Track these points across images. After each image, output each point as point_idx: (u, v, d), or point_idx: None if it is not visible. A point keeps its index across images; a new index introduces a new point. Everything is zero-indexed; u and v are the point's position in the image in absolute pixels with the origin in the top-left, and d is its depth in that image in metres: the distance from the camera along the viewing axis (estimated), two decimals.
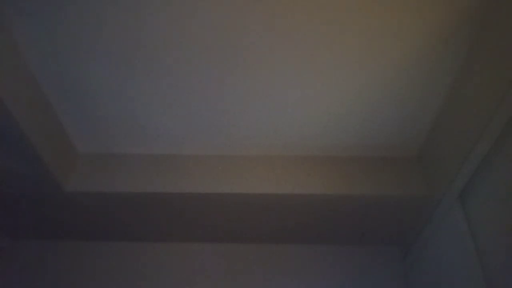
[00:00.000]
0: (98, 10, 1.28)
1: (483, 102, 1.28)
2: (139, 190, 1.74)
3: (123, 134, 1.75)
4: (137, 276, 2.11)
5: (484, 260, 1.41)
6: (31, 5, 1.27)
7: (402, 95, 1.53)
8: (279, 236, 2.10)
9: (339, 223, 1.95)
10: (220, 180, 1.75)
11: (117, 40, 1.36)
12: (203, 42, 1.36)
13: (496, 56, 1.22)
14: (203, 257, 2.16)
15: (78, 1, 1.26)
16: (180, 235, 2.13)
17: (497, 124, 1.25)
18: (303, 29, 1.31)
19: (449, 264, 1.62)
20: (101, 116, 1.67)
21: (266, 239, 2.14)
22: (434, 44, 1.34)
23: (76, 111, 1.65)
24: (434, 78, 1.46)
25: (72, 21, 1.31)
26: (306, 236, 2.09)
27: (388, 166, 1.77)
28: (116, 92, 1.56)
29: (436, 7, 1.24)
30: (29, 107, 1.47)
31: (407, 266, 2.04)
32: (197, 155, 1.83)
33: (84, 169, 1.81)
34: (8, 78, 1.35)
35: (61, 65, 1.46)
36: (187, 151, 1.83)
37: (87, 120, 1.69)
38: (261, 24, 1.30)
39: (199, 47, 1.38)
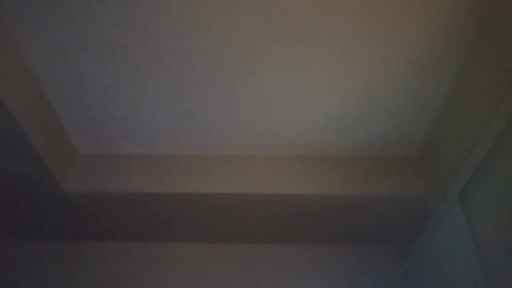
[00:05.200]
0: (99, 10, 1.28)
1: (483, 102, 1.28)
2: (139, 190, 1.74)
3: (123, 134, 1.75)
4: (137, 276, 2.11)
5: (484, 260, 1.41)
6: (31, 5, 1.27)
7: (402, 95, 1.53)
8: (279, 236, 2.10)
9: (339, 223, 1.96)
10: (220, 180, 1.75)
11: (117, 40, 1.36)
12: (203, 42, 1.36)
13: (496, 56, 1.22)
14: (203, 257, 2.16)
15: (79, 2, 1.26)
16: (180, 235, 2.13)
17: (497, 124, 1.25)
18: (303, 29, 1.31)
19: (449, 264, 1.62)
20: (101, 116, 1.67)
21: (266, 239, 2.14)
22: (434, 44, 1.35)
23: (76, 111, 1.65)
24: (434, 78, 1.46)
25: (72, 21, 1.32)
26: (306, 236, 2.09)
27: (388, 166, 1.77)
28: (116, 92, 1.56)
29: (436, 7, 1.24)
30: (29, 107, 1.47)
31: (407, 266, 2.04)
32: (197, 155, 1.83)
33: (84, 169, 1.81)
34: (8, 78, 1.35)
35: (61, 65, 1.46)
36: (187, 151, 1.83)
37: (87, 120, 1.69)
38: (261, 24, 1.30)
39: (199, 47, 1.38)
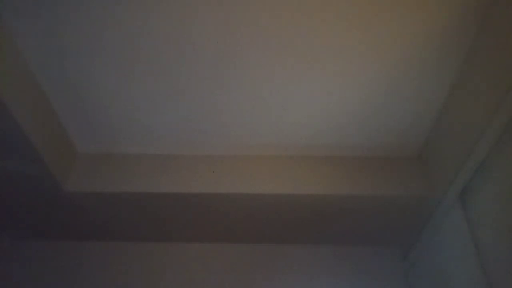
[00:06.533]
0: (99, 11, 1.28)
1: (483, 102, 1.28)
2: (139, 190, 1.74)
3: (123, 134, 1.75)
4: (137, 276, 2.11)
5: (484, 260, 1.41)
6: (31, 6, 1.28)
7: (402, 95, 1.53)
8: (279, 236, 2.10)
9: (339, 223, 1.95)
10: (220, 180, 1.75)
11: (117, 40, 1.37)
12: (203, 42, 1.36)
13: (496, 56, 1.22)
14: (203, 257, 2.16)
15: (79, 3, 1.26)
16: (180, 235, 2.13)
17: (497, 124, 1.25)
18: (304, 29, 1.31)
19: (449, 264, 1.62)
20: (101, 116, 1.67)
21: (266, 239, 2.14)
22: (434, 44, 1.34)
23: (76, 111, 1.65)
24: (435, 78, 1.46)
25: (72, 22, 1.32)
26: (306, 236, 2.09)
27: (388, 166, 1.77)
28: (116, 92, 1.56)
29: (436, 7, 1.24)
30: (29, 107, 1.47)
31: (407, 266, 2.03)
32: (197, 155, 1.83)
33: (84, 169, 1.81)
34: (8, 78, 1.35)
35: (61, 65, 1.46)
36: (187, 151, 1.83)
37: (87, 120, 1.69)
38: (262, 24, 1.30)
39: (199, 48, 1.38)
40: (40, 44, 1.39)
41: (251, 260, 2.14)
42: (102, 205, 1.86)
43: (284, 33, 1.32)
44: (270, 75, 1.47)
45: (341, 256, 2.13)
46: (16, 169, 1.65)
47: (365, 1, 1.23)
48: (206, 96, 1.56)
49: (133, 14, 1.29)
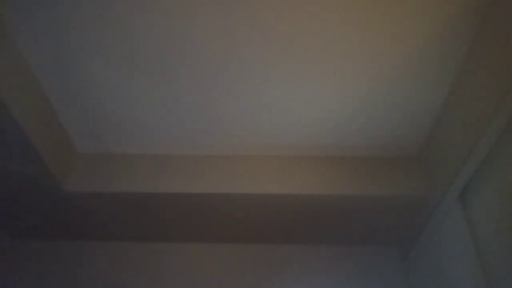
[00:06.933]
0: (99, 11, 1.28)
1: (483, 102, 1.28)
2: (139, 190, 1.74)
3: (123, 134, 1.75)
4: (137, 276, 2.11)
5: (484, 260, 1.41)
6: (31, 5, 1.28)
7: (402, 96, 1.53)
8: (279, 236, 2.10)
9: (339, 223, 1.95)
10: (220, 180, 1.75)
11: (117, 40, 1.37)
12: (203, 43, 1.36)
13: (496, 56, 1.22)
14: (203, 257, 2.16)
15: (79, 3, 1.26)
16: (180, 235, 2.13)
17: (497, 124, 1.25)
18: (304, 29, 1.31)
19: (449, 264, 1.62)
20: (101, 116, 1.67)
21: (266, 239, 2.14)
22: (434, 44, 1.34)
23: (76, 111, 1.65)
24: (434, 78, 1.46)
25: (73, 22, 1.32)
26: (306, 236, 2.09)
27: (388, 166, 1.77)
28: (116, 92, 1.56)
29: (436, 7, 1.24)
30: (29, 107, 1.47)
31: (407, 266, 2.03)
32: (196, 155, 1.83)
33: (84, 169, 1.81)
34: (8, 78, 1.35)
35: (61, 65, 1.46)
36: (187, 151, 1.83)
37: (87, 120, 1.69)
38: (262, 24, 1.30)
39: (200, 48, 1.38)
40: (40, 44, 1.39)
41: (251, 260, 2.14)
42: (102, 205, 1.86)
43: (284, 33, 1.32)
44: (270, 75, 1.47)
45: (341, 256, 2.13)
46: (16, 169, 1.65)
47: (365, 2, 1.23)
48: (206, 96, 1.56)
49: (133, 14, 1.29)
